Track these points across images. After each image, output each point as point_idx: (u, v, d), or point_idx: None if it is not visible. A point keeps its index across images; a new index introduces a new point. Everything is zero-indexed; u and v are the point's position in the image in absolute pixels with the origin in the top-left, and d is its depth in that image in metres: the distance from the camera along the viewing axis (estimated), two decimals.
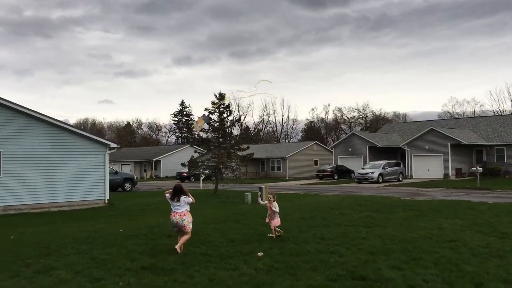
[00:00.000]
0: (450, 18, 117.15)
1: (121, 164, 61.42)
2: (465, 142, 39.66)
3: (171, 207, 9.16)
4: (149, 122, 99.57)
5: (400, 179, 39.05)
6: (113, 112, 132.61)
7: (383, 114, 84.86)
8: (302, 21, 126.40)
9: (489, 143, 41.80)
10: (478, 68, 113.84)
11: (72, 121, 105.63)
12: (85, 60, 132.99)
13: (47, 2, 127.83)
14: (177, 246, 8.90)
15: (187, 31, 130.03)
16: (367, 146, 46.09)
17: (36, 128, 19.34)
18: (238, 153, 28.75)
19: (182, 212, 9.06)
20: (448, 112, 78.83)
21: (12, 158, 18.57)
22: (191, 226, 9.21)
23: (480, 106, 76.70)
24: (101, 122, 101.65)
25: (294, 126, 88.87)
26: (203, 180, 34.71)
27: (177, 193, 9.06)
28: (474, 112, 75.31)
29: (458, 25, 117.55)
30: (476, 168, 30.73)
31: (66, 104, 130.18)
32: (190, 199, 9.18)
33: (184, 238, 9.11)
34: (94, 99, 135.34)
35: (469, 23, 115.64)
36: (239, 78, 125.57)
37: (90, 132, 26.44)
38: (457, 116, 72.39)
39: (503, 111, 68.92)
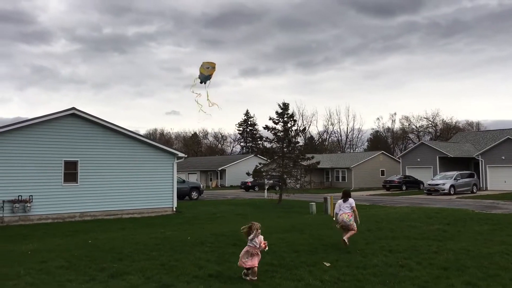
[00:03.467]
0: None
1: (188, 173, 63.10)
2: None
3: (340, 209, 10.77)
4: (214, 132, 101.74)
5: (474, 191, 37.11)
6: (180, 123, 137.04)
7: (454, 123, 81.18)
8: (370, 30, 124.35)
9: None
10: None
11: (142, 131, 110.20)
12: (157, 73, 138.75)
13: (125, 20, 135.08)
14: (345, 238, 10.44)
15: (254, 43, 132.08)
16: (437, 156, 44.25)
17: (110, 138, 20.39)
18: (302, 163, 28.63)
19: (349, 213, 10.67)
20: None
21: (88, 167, 19.66)
22: (355, 225, 10.78)
23: None
24: (169, 132, 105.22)
25: (359, 136, 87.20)
26: (267, 189, 34.86)
27: (346, 195, 10.90)
28: None
29: None
30: None
31: (138, 115, 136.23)
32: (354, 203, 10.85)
33: (351, 233, 10.64)
34: (163, 110, 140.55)
35: None
36: (304, 88, 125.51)
37: (159, 142, 27.42)
38: None
39: None
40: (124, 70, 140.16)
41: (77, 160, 19.43)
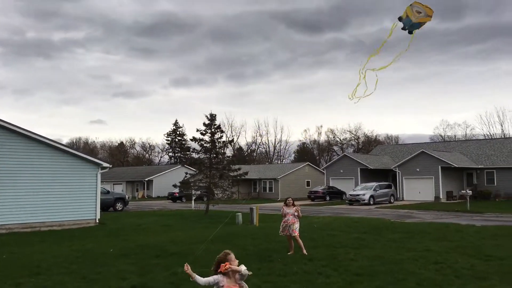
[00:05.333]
0: (444, 44, 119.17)
1: (113, 184, 61.19)
2: (456, 165, 40.08)
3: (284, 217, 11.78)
4: (142, 142, 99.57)
5: (391, 201, 39.24)
6: (107, 132, 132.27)
7: (375, 136, 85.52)
8: (299, 45, 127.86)
9: (479, 166, 42.24)
10: (469, 92, 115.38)
11: (65, 140, 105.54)
12: (84, 81, 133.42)
13: (50, 25, 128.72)
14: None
15: (186, 54, 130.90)
16: (358, 168, 46.36)
17: (27, 147, 19.43)
18: (230, 174, 28.89)
19: (293, 220, 11.63)
20: (439, 135, 79.61)
21: (3, 177, 18.59)
22: (297, 231, 11.62)
23: (471, 130, 77.41)
24: (94, 141, 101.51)
25: (286, 147, 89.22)
26: (194, 200, 34.73)
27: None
28: (465, 135, 76.06)
29: (452, 51, 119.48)
30: (466, 191, 31.04)
31: (62, 124, 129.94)
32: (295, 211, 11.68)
33: (299, 243, 11.47)
34: (89, 118, 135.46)
35: (462, 49, 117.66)
36: (234, 100, 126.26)
37: (82, 151, 26.56)
38: (448, 139, 73.03)
39: (493, 134, 69.70)
40: (48, 76, 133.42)
41: None
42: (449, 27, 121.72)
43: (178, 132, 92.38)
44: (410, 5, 7.37)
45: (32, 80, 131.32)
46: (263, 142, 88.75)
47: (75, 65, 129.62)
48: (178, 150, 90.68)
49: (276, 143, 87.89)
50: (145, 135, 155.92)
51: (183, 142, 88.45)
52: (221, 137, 28.70)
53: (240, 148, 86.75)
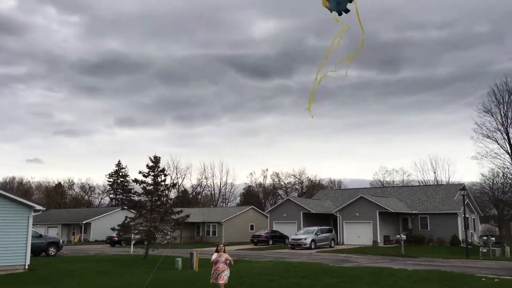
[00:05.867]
0: (383, 95, 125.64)
1: (48, 227, 58.28)
2: (392, 210, 41.52)
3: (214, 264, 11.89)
4: (81, 183, 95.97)
5: (332, 245, 39.82)
6: (44, 172, 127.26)
7: (318, 181, 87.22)
8: (247, 89, 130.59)
9: (414, 212, 44.02)
10: (406, 140, 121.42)
11: None
12: (24, 117, 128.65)
13: None
14: None
15: (133, 93, 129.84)
16: (301, 212, 46.91)
17: None
18: (172, 217, 28.45)
19: (223, 267, 11.78)
20: (379, 180, 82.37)
21: None
22: (226, 279, 11.82)
23: (408, 176, 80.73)
24: (29, 181, 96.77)
25: (232, 190, 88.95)
26: (134, 244, 33.70)
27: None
28: (403, 181, 79.13)
29: (390, 101, 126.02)
30: (400, 236, 32.20)
31: None
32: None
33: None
34: (26, 157, 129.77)
35: (400, 100, 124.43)
36: (182, 141, 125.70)
37: (15, 192, 25.34)
38: (386, 185, 75.66)
39: (427, 181, 73.09)
40: None
41: None
42: (388, 79, 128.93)
43: (120, 173, 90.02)
44: None
45: None
46: (209, 184, 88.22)
47: (15, 101, 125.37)
48: (120, 192, 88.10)
49: (221, 186, 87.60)
50: (85, 175, 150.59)
51: (125, 183, 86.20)
52: (164, 180, 28.41)
53: (185, 191, 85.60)
